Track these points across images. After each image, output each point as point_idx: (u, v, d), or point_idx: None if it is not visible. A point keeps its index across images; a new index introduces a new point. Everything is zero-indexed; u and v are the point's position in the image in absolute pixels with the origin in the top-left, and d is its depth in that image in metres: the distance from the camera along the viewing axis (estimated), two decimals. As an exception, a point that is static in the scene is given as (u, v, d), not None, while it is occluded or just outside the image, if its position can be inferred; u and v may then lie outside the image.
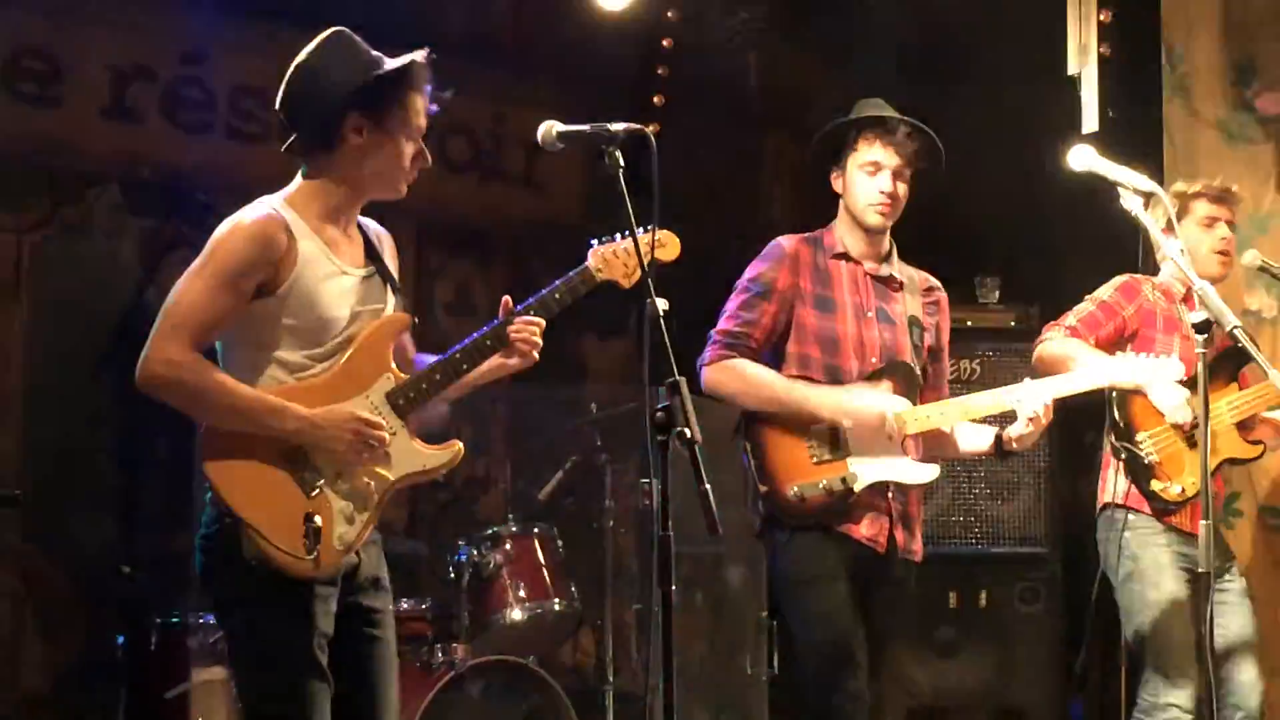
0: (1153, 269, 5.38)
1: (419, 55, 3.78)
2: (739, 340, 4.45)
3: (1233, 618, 5.04)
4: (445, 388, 3.86)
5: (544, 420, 6.02)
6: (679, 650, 3.53)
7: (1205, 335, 3.95)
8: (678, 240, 4.04)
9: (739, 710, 6.24)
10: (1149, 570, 5.00)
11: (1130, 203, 4.11)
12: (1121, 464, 5.02)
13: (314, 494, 3.66)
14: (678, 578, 3.50)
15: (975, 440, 4.58)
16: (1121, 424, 4.98)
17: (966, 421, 4.53)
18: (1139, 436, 4.95)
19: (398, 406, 3.77)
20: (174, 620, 5.51)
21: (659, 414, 3.44)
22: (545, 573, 5.71)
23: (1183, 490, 4.92)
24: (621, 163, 3.65)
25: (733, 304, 4.51)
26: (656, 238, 3.93)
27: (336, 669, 3.72)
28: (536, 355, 3.88)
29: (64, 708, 6.10)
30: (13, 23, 6.10)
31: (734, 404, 4.47)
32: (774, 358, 4.46)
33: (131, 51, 6.39)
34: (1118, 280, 5.14)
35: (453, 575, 5.70)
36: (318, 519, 3.61)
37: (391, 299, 3.90)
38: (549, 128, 3.75)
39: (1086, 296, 5.10)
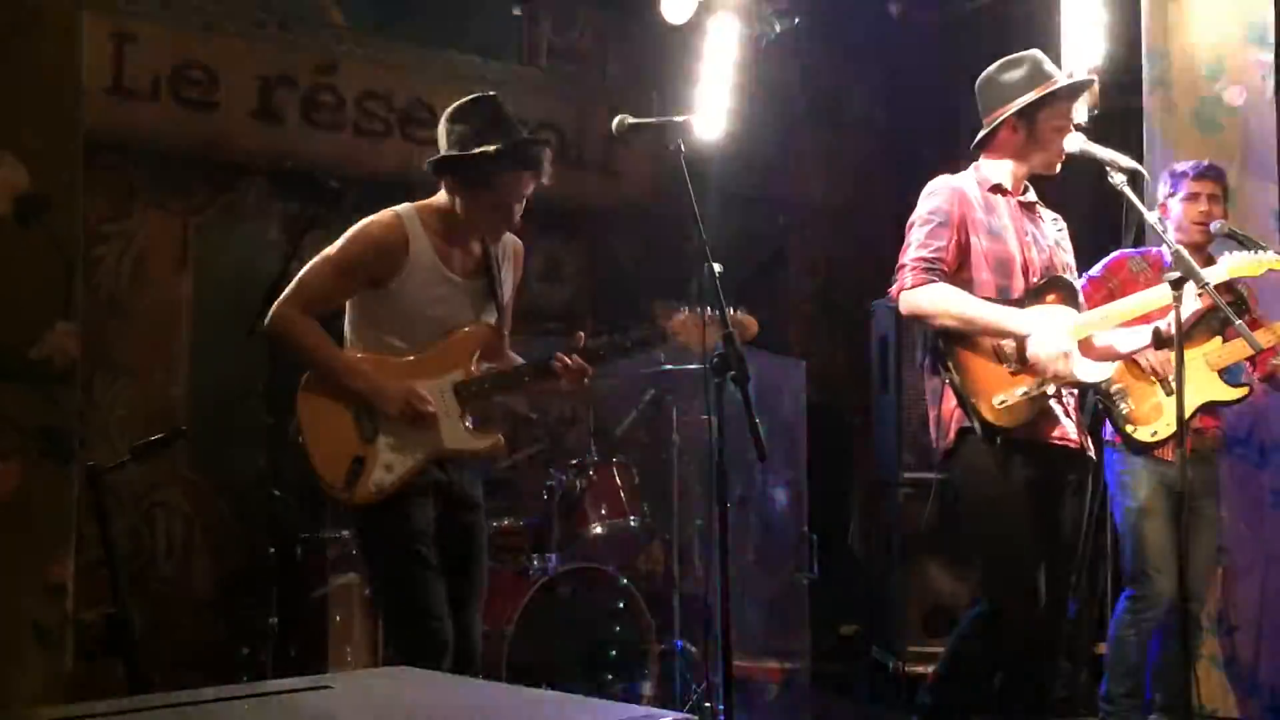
0: (1137, 237, 5.33)
1: (492, 149, 3.75)
2: (934, 265, 4.07)
3: (1202, 534, 5.04)
4: (506, 392, 4.03)
5: (620, 369, 5.99)
6: (733, 559, 3.52)
7: (1178, 291, 3.92)
8: (755, 322, 3.91)
9: (783, 609, 6.22)
10: (1130, 485, 5.05)
11: (1116, 179, 4.05)
12: (1103, 411, 5.03)
13: (367, 443, 3.78)
14: (732, 498, 3.50)
15: (1134, 340, 4.30)
16: None
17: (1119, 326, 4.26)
18: (1114, 390, 4.94)
19: (461, 396, 3.87)
20: (315, 535, 5.56)
21: (715, 360, 3.43)
22: (622, 494, 5.70)
23: (1155, 433, 4.93)
24: (684, 148, 3.63)
25: (919, 235, 4.13)
26: (740, 319, 3.82)
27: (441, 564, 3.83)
28: (578, 388, 3.89)
29: (226, 609, 6.15)
30: (177, 41, 6.11)
31: (933, 324, 4.09)
32: (954, 285, 4.12)
33: (276, 63, 6.39)
34: (1108, 258, 5.12)
35: (546, 497, 5.70)
36: (362, 462, 3.76)
37: (493, 310, 3.95)
38: (622, 119, 3.76)
39: (1084, 274, 5.05)
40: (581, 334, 3.91)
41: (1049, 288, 4.16)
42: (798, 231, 8.19)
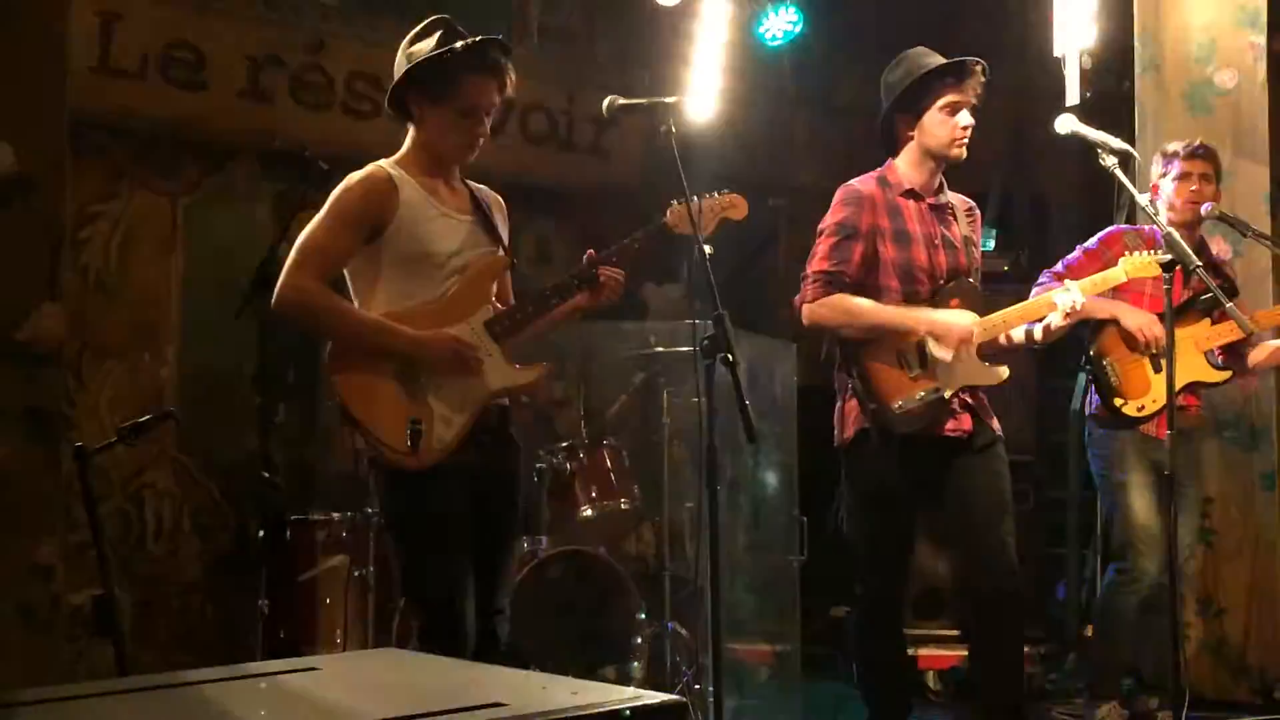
0: (1127, 219, 5.33)
1: (458, 45, 3.71)
2: (835, 278, 4.23)
3: (1183, 514, 5.05)
4: (537, 319, 3.85)
5: (612, 351, 5.98)
6: (724, 541, 3.51)
7: (1170, 273, 3.94)
8: (745, 202, 3.99)
9: (774, 591, 6.22)
10: (1115, 459, 5.07)
11: (1107, 161, 4.06)
12: (1091, 383, 5.06)
13: (418, 402, 3.66)
14: (722, 480, 3.49)
15: (1020, 335, 4.40)
16: (1092, 350, 4.99)
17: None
18: (1105, 362, 4.97)
19: (494, 333, 3.78)
20: (305, 517, 5.54)
21: (705, 341, 3.42)
22: (613, 477, 5.70)
23: (1142, 408, 4.94)
24: (674, 129, 3.62)
25: (823, 247, 4.29)
26: (728, 199, 3.93)
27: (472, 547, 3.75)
28: (618, 294, 3.87)
29: (214, 591, 6.15)
30: (165, 20, 6.08)
31: (835, 334, 4.28)
32: (859, 293, 4.26)
33: (264, 43, 6.36)
34: (1104, 232, 5.14)
35: (536, 480, 5.69)
36: (421, 423, 3.62)
37: (500, 250, 3.90)
38: (612, 100, 3.74)
39: (1078, 246, 5.09)
40: (591, 251, 3.87)
41: (953, 292, 4.30)
42: (788, 215, 8.18)
